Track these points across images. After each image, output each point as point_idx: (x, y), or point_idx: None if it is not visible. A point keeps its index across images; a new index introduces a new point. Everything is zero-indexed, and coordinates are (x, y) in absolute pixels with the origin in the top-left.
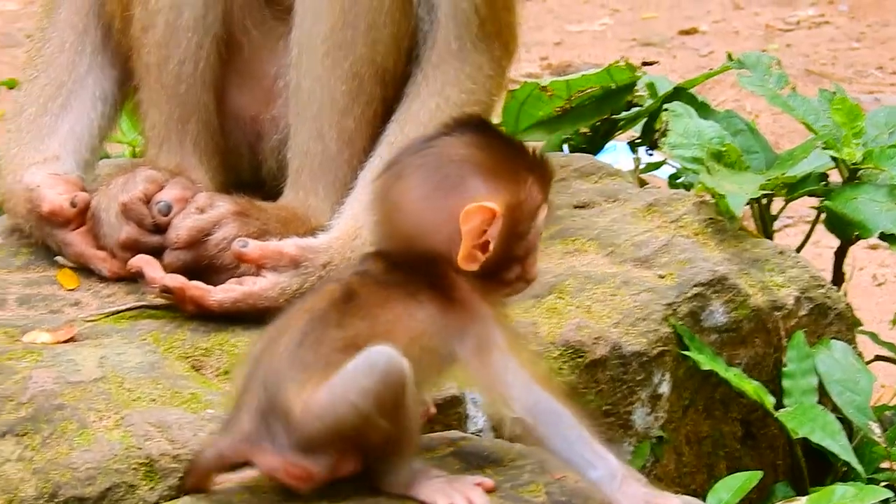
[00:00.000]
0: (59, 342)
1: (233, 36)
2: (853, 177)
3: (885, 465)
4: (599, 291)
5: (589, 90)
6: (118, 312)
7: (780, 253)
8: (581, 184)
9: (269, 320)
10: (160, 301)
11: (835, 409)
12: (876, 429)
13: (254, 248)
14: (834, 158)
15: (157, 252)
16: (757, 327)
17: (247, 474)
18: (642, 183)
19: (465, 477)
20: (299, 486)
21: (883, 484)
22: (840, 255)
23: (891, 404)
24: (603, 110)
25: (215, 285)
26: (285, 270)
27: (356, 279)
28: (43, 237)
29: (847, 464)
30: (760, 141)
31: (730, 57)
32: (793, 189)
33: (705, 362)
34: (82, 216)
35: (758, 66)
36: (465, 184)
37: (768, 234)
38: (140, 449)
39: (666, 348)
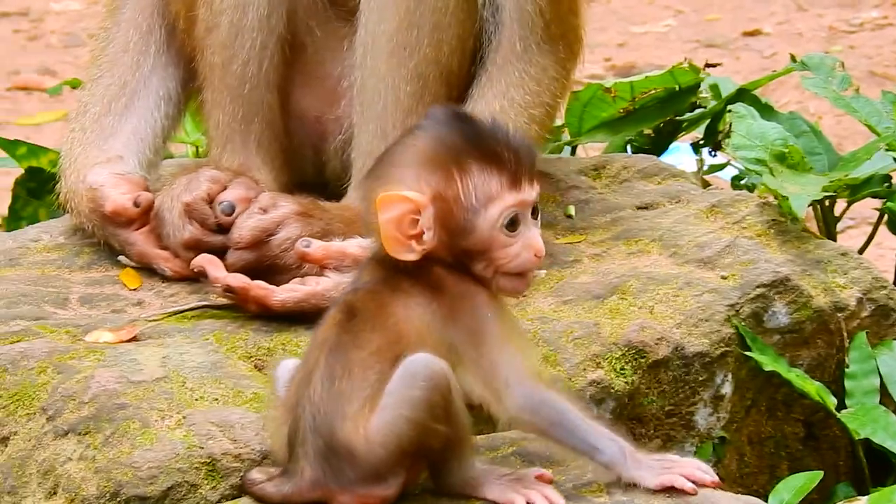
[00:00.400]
0: (121, 342)
1: (297, 36)
2: None
3: None
4: (662, 292)
5: (652, 91)
6: (181, 312)
7: (843, 254)
8: (644, 185)
9: None
10: (223, 301)
11: None
12: None
13: (317, 248)
14: None
15: (220, 252)
16: (819, 328)
17: None
18: (705, 184)
19: (525, 471)
20: None
21: None
22: None
23: None
24: (666, 112)
25: (278, 285)
26: (348, 271)
27: (351, 295)
28: (106, 237)
29: None
30: (823, 142)
31: (793, 58)
32: (855, 190)
33: (768, 363)
34: (145, 216)
35: (821, 68)
36: (395, 174)
37: (831, 235)
38: (202, 448)
39: (728, 349)
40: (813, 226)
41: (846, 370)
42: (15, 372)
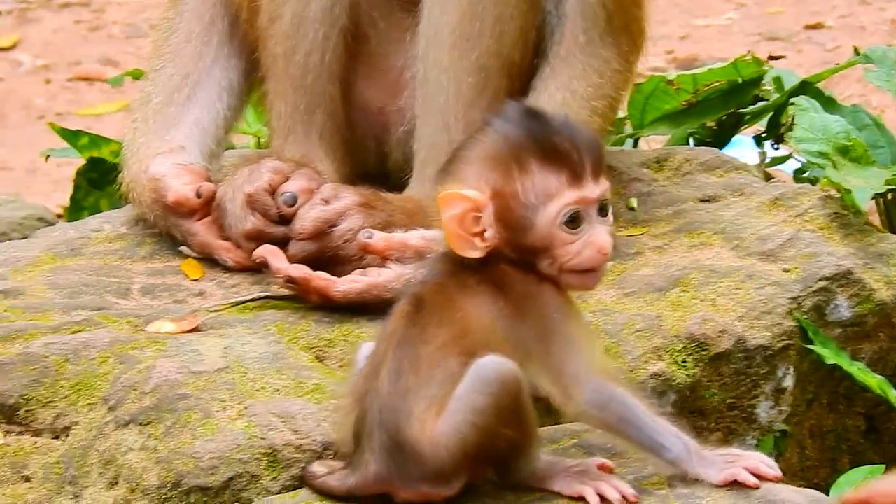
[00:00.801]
0: (182, 332)
1: (360, 27)
2: None
3: None
4: (724, 285)
5: (715, 84)
6: (242, 303)
7: None
8: (707, 177)
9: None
10: (284, 292)
11: None
12: None
13: (379, 239)
14: None
15: (281, 243)
16: (882, 322)
17: None
18: (768, 177)
19: (588, 461)
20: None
21: None
22: None
23: None
24: (729, 104)
25: (340, 276)
26: (410, 262)
27: (420, 288)
28: (168, 227)
29: None
30: (886, 136)
31: (856, 52)
32: None
33: (830, 356)
34: (207, 206)
35: (884, 61)
36: (459, 171)
37: (894, 228)
38: (263, 439)
39: (790, 342)
40: (875, 219)
41: None
42: (77, 362)
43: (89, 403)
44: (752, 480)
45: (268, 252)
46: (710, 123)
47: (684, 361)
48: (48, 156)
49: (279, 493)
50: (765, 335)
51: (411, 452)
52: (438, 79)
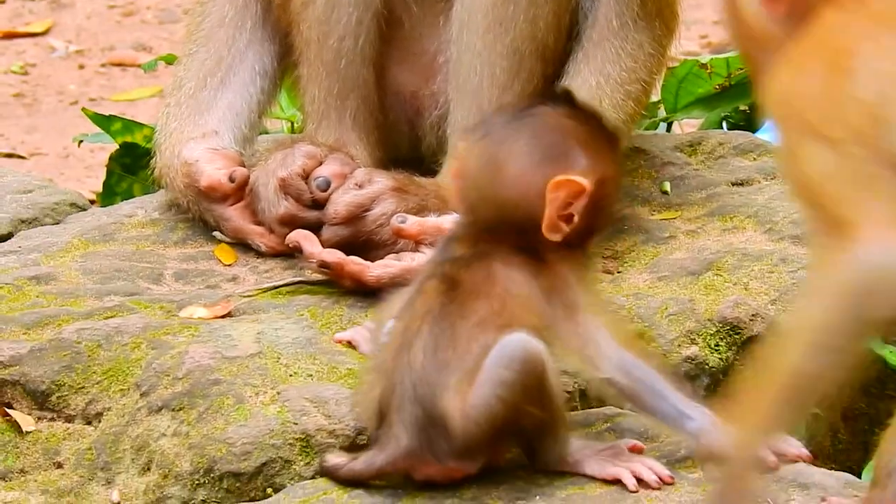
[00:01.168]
0: (215, 317)
1: (393, 12)
2: None
3: None
4: (757, 269)
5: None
6: (275, 288)
7: None
8: (740, 161)
9: None
10: (318, 276)
11: None
12: None
13: (412, 223)
14: None
15: (315, 227)
16: None
17: None
18: None
19: (618, 443)
20: (452, 481)
21: None
22: None
23: None
24: None
25: (373, 261)
26: None
27: (449, 267)
28: (201, 212)
29: None
30: None
31: None
32: None
33: None
34: (240, 191)
35: None
36: (568, 155)
37: None
38: (296, 424)
39: None
40: None
41: None
42: (109, 347)
43: (121, 389)
44: (772, 459)
45: (301, 236)
46: (744, 107)
47: (717, 345)
48: (81, 141)
49: (312, 478)
50: None
51: (443, 425)
52: (472, 63)
